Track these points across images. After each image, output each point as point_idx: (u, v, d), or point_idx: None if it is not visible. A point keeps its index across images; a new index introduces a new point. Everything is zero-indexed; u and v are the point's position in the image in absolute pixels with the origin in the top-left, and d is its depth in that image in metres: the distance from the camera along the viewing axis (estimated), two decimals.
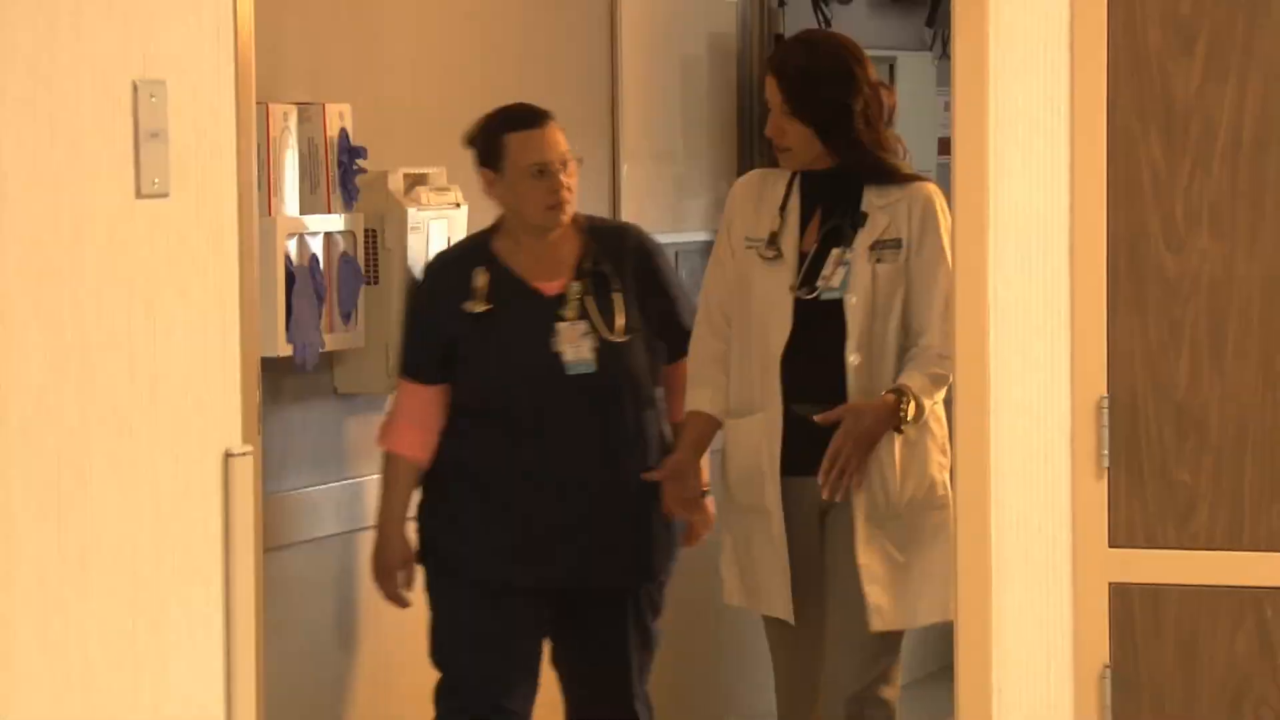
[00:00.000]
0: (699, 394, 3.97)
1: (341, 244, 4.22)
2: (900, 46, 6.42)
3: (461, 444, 3.97)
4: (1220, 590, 3.14)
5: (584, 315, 3.96)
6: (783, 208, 3.92)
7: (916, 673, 4.21)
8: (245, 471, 2.71)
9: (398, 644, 4.15)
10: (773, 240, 3.88)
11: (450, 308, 3.93)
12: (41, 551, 2.39)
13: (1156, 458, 3.16)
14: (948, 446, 3.84)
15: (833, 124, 3.83)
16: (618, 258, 4.03)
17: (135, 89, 2.46)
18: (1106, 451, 3.14)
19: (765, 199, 3.95)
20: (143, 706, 2.55)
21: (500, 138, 3.95)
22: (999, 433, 3.12)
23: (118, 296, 2.49)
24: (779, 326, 3.86)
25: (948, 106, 3.47)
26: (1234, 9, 3.08)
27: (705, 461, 4.12)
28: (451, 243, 4.40)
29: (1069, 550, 3.08)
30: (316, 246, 4.03)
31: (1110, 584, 3.15)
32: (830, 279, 3.85)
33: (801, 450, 3.80)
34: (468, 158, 4.71)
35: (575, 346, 3.93)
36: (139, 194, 2.50)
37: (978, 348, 3.13)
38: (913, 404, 3.78)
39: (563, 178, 3.92)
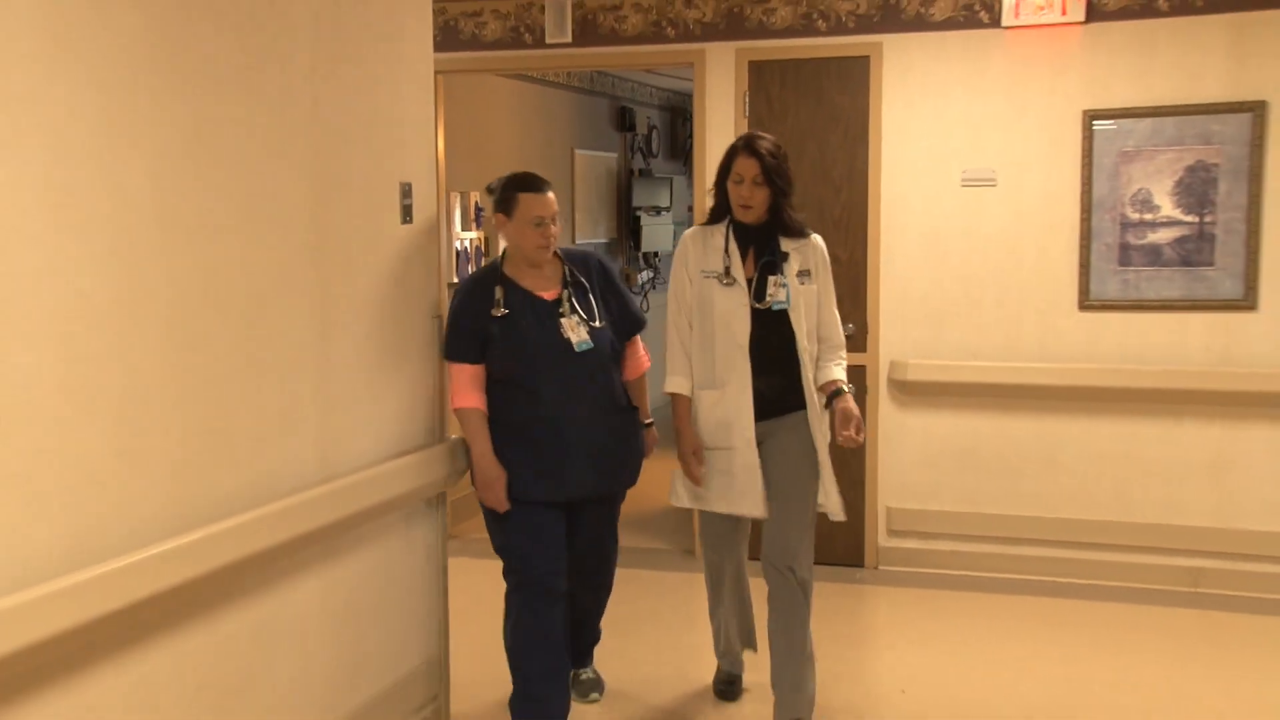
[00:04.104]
0: (681, 381, 4.17)
1: (477, 242, 6.84)
2: (675, 173, 8.79)
3: (500, 406, 4.08)
4: None
5: (575, 312, 4.10)
6: (725, 250, 4.16)
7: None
8: (438, 329, 3.92)
9: None
10: (727, 271, 4.13)
11: (483, 313, 4.04)
12: (358, 346, 3.20)
13: None
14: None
15: (783, 192, 4.12)
16: (587, 273, 4.18)
17: (400, 185, 3.16)
18: None
19: (709, 245, 4.19)
20: (405, 403, 3.40)
21: (515, 195, 4.10)
22: None
23: (394, 260, 3.38)
24: (742, 328, 4.11)
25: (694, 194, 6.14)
26: (804, 142, 5.44)
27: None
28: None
29: None
30: (467, 244, 6.79)
31: None
32: (775, 295, 4.07)
33: (756, 407, 4.12)
34: None
35: (576, 333, 4.06)
36: (402, 222, 3.41)
37: None
38: (849, 393, 4.16)
39: (551, 228, 4.09)
